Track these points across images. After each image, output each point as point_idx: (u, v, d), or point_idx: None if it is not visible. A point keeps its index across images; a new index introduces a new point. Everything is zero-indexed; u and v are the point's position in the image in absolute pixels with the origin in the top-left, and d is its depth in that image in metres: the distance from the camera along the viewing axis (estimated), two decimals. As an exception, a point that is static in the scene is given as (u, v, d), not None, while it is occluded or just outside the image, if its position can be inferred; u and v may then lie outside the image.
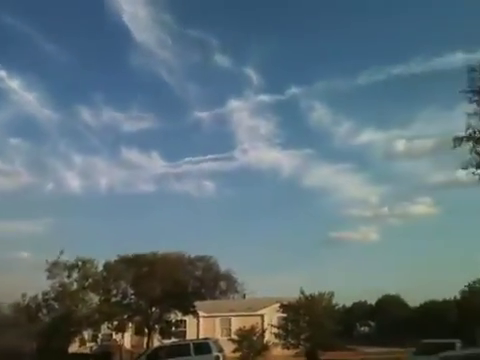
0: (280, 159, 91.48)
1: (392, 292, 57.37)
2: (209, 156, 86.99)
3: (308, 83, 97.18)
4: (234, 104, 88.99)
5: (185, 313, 36.19)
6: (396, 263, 72.00)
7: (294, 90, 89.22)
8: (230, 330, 39.73)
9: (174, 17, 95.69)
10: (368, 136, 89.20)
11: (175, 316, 36.42)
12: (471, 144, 16.76)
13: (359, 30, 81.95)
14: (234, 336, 33.88)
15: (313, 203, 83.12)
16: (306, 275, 60.61)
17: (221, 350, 23.63)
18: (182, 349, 22.90)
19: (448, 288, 53.61)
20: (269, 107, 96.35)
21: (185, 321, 40.87)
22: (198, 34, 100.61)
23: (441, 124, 69.07)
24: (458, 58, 57.13)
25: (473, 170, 16.88)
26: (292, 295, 35.86)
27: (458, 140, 16.96)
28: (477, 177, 16.91)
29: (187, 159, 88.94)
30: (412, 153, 76.68)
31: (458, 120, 16.99)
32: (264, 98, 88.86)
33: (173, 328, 36.73)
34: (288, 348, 33.94)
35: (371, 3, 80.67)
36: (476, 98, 16.63)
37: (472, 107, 16.70)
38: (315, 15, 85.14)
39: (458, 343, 19.59)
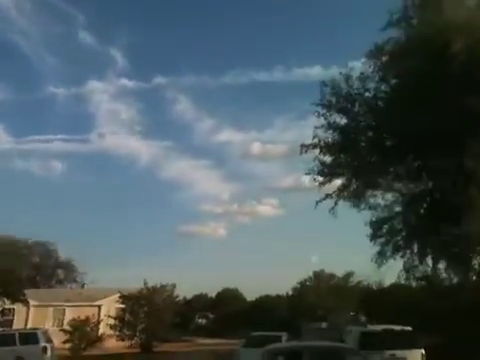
0: (139, 148, 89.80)
1: (232, 286, 60.09)
2: (60, 136, 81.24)
3: (174, 75, 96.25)
4: (95, 85, 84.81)
5: (13, 301, 33.38)
6: (239, 258, 75.43)
7: (160, 80, 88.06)
8: (63, 320, 37.83)
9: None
10: (227, 135, 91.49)
11: (2, 304, 33.42)
12: (316, 152, 18.07)
13: (230, 31, 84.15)
14: (66, 327, 32.41)
15: (168, 196, 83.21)
16: (154, 267, 60.35)
17: (50, 340, 23.01)
18: (7, 339, 22.09)
19: (283, 284, 57.71)
20: (132, 93, 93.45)
21: (13, 309, 37.83)
22: (63, 6, 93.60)
23: (295, 132, 74.07)
24: (316, 72, 61.58)
25: (315, 176, 18.10)
26: (135, 286, 35.43)
27: (305, 147, 18.09)
28: (317, 183, 18.21)
29: (36, 137, 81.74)
30: (266, 156, 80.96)
31: (309, 130, 18.21)
32: (128, 83, 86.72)
33: None
34: (123, 340, 33.42)
35: (246, 8, 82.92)
36: (324, 112, 17.84)
37: (320, 120, 17.93)
38: (189, 9, 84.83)
39: (284, 336, 20.84)
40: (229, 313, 52.91)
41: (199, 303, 60.59)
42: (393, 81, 17.17)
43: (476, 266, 17.85)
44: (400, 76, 16.46)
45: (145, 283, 34.33)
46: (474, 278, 18.14)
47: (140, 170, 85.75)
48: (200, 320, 57.26)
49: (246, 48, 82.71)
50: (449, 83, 14.68)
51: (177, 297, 37.65)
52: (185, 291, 52.07)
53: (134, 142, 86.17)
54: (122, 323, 33.78)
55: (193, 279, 61.91)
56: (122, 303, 34.78)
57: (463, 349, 15.78)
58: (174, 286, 36.20)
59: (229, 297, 57.56)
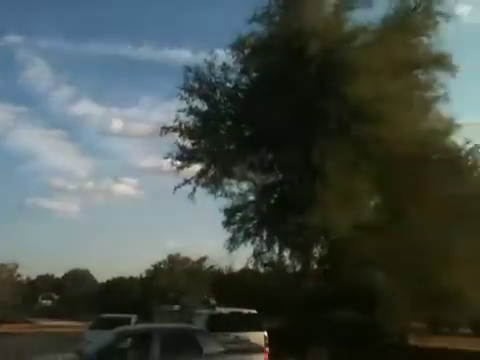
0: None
1: (82, 267, 57.59)
2: None
3: (30, 35, 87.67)
4: None
5: None
6: (92, 238, 72.57)
7: (13, 38, 79.41)
8: None
9: None
10: (87, 107, 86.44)
11: None
12: (176, 136, 17.82)
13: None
14: None
15: (14, 166, 76.03)
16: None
17: None
18: None
19: (137, 267, 56.98)
20: None
21: None
22: None
23: (160, 113, 72.42)
24: (185, 55, 60.74)
25: (173, 161, 17.90)
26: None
27: (165, 130, 17.75)
28: (175, 167, 17.98)
29: None
30: (127, 134, 78.38)
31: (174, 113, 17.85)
32: (-26, 37, 76.07)
33: None
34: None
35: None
36: (186, 96, 17.70)
37: (183, 104, 17.71)
38: None
39: (134, 318, 20.41)
40: (77, 295, 50.81)
41: (44, 283, 57.29)
42: (253, 74, 17.56)
43: (317, 255, 19.22)
44: (260, 70, 16.89)
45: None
46: (315, 266, 19.47)
47: None
48: (44, 301, 54.02)
49: (116, 20, 78.49)
50: (304, 83, 15.40)
51: (19, 276, 35.07)
52: (30, 271, 48.84)
53: None
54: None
55: (39, 258, 58.40)
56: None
57: (303, 332, 16.88)
58: (16, 266, 33.64)
59: (78, 278, 55.23)
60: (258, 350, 11.24)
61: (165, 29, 78.78)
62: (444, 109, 17.08)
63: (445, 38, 16.84)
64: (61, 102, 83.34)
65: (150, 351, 9.93)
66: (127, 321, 18.95)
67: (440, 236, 15.03)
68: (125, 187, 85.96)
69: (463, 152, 16.05)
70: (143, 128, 78.36)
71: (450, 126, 15.92)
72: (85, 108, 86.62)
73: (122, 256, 64.77)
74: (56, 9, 76.45)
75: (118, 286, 50.35)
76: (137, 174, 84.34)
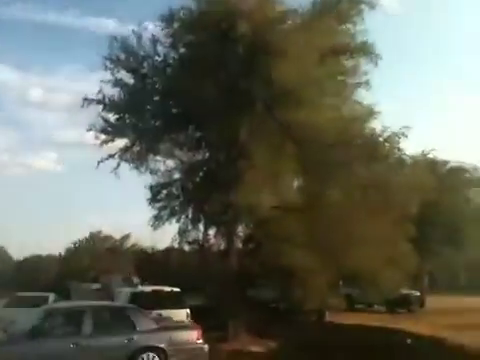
0: None
1: (-2, 243, 54.64)
2: None
3: None
4: None
5: None
6: (8, 214, 68.83)
7: None
8: None
9: None
10: (2, 74, 79.88)
11: None
12: (100, 108, 17.17)
13: None
14: None
15: None
16: None
17: None
18: None
19: (57, 244, 54.95)
20: None
21: None
22: None
23: (83, 84, 68.74)
24: (111, 25, 58.22)
25: (97, 134, 17.26)
26: None
27: (87, 101, 17.06)
28: (99, 141, 17.38)
29: None
30: (48, 105, 74.07)
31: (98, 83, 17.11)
32: None
33: None
34: None
35: None
36: (112, 67, 17.06)
37: (108, 75, 17.07)
38: None
39: (52, 297, 19.83)
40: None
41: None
42: (182, 50, 17.22)
43: (241, 234, 19.53)
44: (190, 46, 16.60)
45: None
46: (240, 245, 19.78)
47: None
48: None
49: None
50: (232, 63, 15.37)
51: None
52: None
53: None
54: None
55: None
56: None
57: (225, 309, 17.19)
58: None
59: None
60: (191, 327, 11.56)
61: None
62: (365, 96, 17.80)
63: (369, 27, 17.55)
64: None
65: (82, 328, 10.06)
66: (44, 300, 18.38)
67: (355, 218, 15.76)
68: (45, 161, 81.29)
69: (381, 138, 16.79)
70: (65, 99, 74.37)
71: (370, 113, 16.60)
72: (1, 75, 79.72)
73: (41, 233, 62.17)
74: None
75: (35, 264, 48.43)
76: (58, 147, 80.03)
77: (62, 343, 9.83)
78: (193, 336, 11.04)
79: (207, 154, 18.51)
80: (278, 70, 14.39)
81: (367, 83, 17.66)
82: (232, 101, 15.35)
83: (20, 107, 78.69)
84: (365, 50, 17.20)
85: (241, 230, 19.40)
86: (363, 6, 17.06)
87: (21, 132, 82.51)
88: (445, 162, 29.07)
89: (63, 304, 12.60)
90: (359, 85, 17.79)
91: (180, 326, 11.84)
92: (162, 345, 10.45)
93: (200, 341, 11.04)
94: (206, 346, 11.12)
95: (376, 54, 17.15)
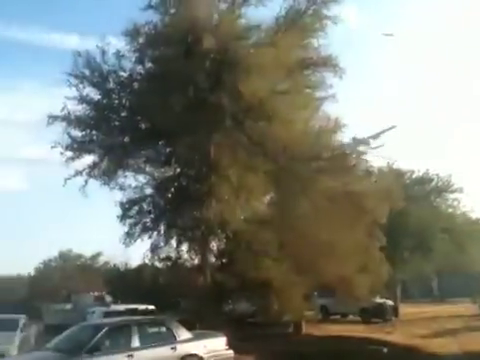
0: None
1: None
2: None
3: None
4: None
5: None
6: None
7: None
8: None
9: None
10: None
11: None
12: (64, 125, 16.83)
13: None
14: None
15: None
16: None
17: None
18: None
19: (25, 264, 53.32)
20: None
21: None
22: None
23: (44, 99, 66.64)
24: (73, 40, 57.17)
25: (62, 151, 16.88)
26: None
27: (52, 118, 16.70)
28: (65, 158, 17.01)
29: None
30: (8, 122, 71.70)
31: (61, 99, 16.73)
32: None
33: None
34: None
35: None
36: (76, 83, 16.77)
37: (72, 91, 16.77)
38: None
39: (23, 319, 19.20)
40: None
41: None
42: (149, 65, 17.06)
43: (214, 248, 19.37)
44: (156, 61, 16.47)
45: None
46: (213, 259, 19.63)
47: None
48: None
49: None
50: (199, 78, 15.35)
51: None
52: None
53: None
54: None
55: None
56: None
57: (201, 324, 17.02)
58: None
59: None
60: (220, 335, 12.58)
61: (51, 12, 72.30)
62: (332, 109, 18.03)
63: (333, 41, 17.86)
64: None
65: (131, 341, 10.90)
66: (14, 322, 17.75)
67: (326, 229, 15.85)
68: (8, 179, 78.51)
69: (348, 151, 16.98)
70: (25, 116, 72.07)
71: (337, 125, 16.79)
72: None
73: (8, 253, 60.16)
74: None
75: (4, 285, 46.87)
76: (23, 165, 77.53)
77: (118, 356, 10.55)
78: (223, 343, 12.33)
79: (178, 169, 18.32)
80: (245, 84, 14.45)
81: (333, 96, 17.91)
82: (201, 116, 15.26)
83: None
84: (330, 63, 17.39)
85: (214, 245, 19.24)
86: (326, 21, 17.27)
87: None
88: (411, 171, 29.73)
89: (110, 320, 13.00)
90: (326, 98, 18.03)
91: (211, 334, 12.75)
92: (200, 352, 11.61)
93: (227, 348, 12.34)
94: (232, 352, 12.38)
95: (340, 67, 17.39)
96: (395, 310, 28.28)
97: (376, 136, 16.20)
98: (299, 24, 16.93)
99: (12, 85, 78.39)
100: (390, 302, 27.86)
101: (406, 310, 29.45)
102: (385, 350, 15.67)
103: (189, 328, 12.68)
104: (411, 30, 72.29)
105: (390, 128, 16.29)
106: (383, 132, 16.14)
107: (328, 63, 17.35)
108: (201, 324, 16.69)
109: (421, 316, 26.85)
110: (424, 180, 29.99)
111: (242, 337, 18.01)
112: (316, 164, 15.85)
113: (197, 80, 15.40)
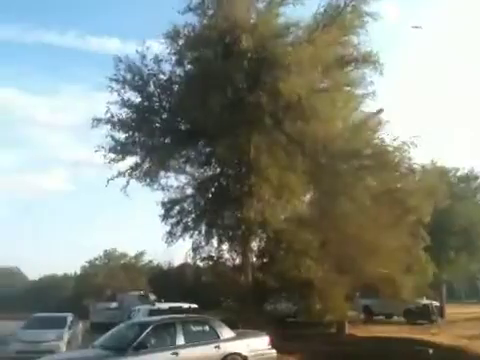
0: None
1: (12, 264, 54.90)
2: None
3: None
4: None
5: None
6: (22, 235, 69.27)
7: None
8: None
9: None
10: (8, 95, 79.97)
11: None
12: (108, 127, 17.28)
13: None
14: None
15: None
16: None
17: None
18: None
19: (72, 263, 54.90)
20: None
21: None
22: None
23: (88, 102, 68.12)
24: (114, 44, 58.44)
25: (106, 153, 17.31)
26: None
27: (97, 121, 17.16)
28: (108, 160, 17.44)
29: None
30: (54, 125, 74.20)
31: (104, 102, 17.20)
32: None
33: None
34: None
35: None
36: (118, 87, 17.16)
37: (114, 95, 17.18)
38: None
39: (70, 317, 19.79)
40: (7, 293, 48.34)
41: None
42: (188, 66, 17.25)
43: (255, 248, 19.38)
44: (195, 63, 16.62)
45: None
46: (254, 259, 19.63)
47: None
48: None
49: (36, 5, 72.99)
50: (238, 77, 15.39)
51: None
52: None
53: None
54: None
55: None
56: None
57: (243, 324, 17.07)
58: None
59: (9, 276, 52.53)
60: (263, 334, 12.51)
61: (90, 16, 74.38)
62: (372, 106, 17.71)
63: (373, 37, 17.47)
64: None
65: (176, 339, 11.06)
66: (63, 320, 18.36)
67: (369, 228, 15.58)
68: (55, 180, 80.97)
69: (390, 148, 16.63)
70: (70, 119, 74.48)
71: (378, 122, 16.49)
72: (7, 96, 77.80)
73: (55, 253, 62.19)
74: None
75: (51, 284, 48.44)
76: (68, 167, 79.59)
77: (163, 353, 10.75)
78: (265, 342, 12.24)
79: (218, 169, 18.44)
80: (284, 83, 14.38)
81: (374, 93, 17.61)
82: (240, 115, 15.33)
83: (27, 127, 78.58)
84: (369, 60, 17.15)
85: (255, 244, 19.25)
86: (365, 17, 17.06)
87: (30, 152, 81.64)
88: (455, 169, 28.84)
89: (155, 318, 13.05)
90: (366, 95, 17.75)
91: (254, 334, 12.73)
92: (243, 351, 11.59)
93: (270, 347, 12.20)
94: (274, 351, 12.26)
95: (380, 64, 17.10)
96: (441, 311, 27.51)
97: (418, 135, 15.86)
98: (338, 21, 16.77)
99: (56, 89, 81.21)
100: (436, 303, 27.12)
101: (452, 311, 28.57)
102: (431, 351, 15.24)
103: (231, 327, 12.68)
104: (451, 24, 70.19)
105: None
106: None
107: (368, 59, 17.12)
108: (243, 323, 16.74)
109: (467, 317, 25.97)
110: (469, 178, 29.05)
111: (284, 337, 17.95)
112: (357, 162, 15.61)
113: (236, 80, 15.45)
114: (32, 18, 75.37)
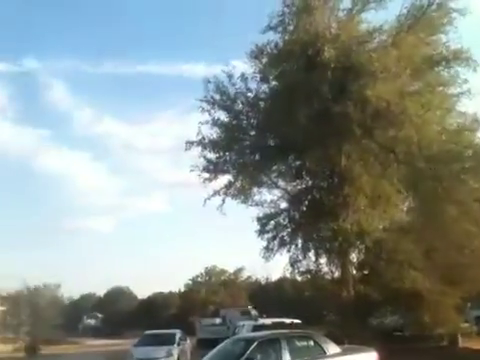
0: (10, 135, 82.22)
1: (122, 284, 58.44)
2: None
3: (48, 59, 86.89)
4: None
5: None
6: (128, 255, 73.33)
7: (32, 63, 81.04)
8: None
9: None
10: (109, 126, 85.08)
11: None
12: (200, 149, 17.92)
13: (109, 19, 76.70)
14: None
15: (46, 188, 77.11)
16: (33, 265, 56.85)
17: None
18: None
19: (175, 281, 57.12)
20: (1, 76, 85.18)
21: None
22: None
23: (181, 126, 71.25)
24: (200, 68, 60.68)
25: (200, 173, 17.95)
26: (15, 286, 33.60)
27: (190, 144, 17.88)
28: (202, 180, 18.05)
29: None
30: (151, 150, 78.28)
31: (195, 125, 17.99)
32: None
33: None
34: (5, 343, 31.58)
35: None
36: (208, 108, 17.79)
37: (205, 116, 17.82)
38: None
39: (178, 333, 20.50)
40: (119, 312, 51.41)
41: (87, 302, 58.45)
42: (273, 82, 17.44)
43: (354, 260, 18.86)
44: (279, 78, 16.77)
45: (24, 283, 32.54)
46: (354, 271, 19.10)
47: (12, 160, 77.83)
48: (89, 320, 54.66)
49: (127, 37, 77.06)
50: (323, 88, 15.24)
51: (62, 297, 36.13)
52: (71, 290, 49.96)
53: (6, 129, 76.48)
54: (3, 326, 31.81)
55: (80, 277, 59.49)
56: (1, 304, 32.70)
57: (347, 339, 16.64)
58: (58, 286, 34.73)
59: (119, 295, 55.90)
60: (369, 350, 11.81)
61: (176, 44, 77.23)
62: (468, 105, 16.62)
63: (463, 34, 16.43)
64: (84, 123, 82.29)
65: (282, 355, 10.75)
66: (172, 336, 19.09)
67: (477, 234, 14.51)
68: (155, 203, 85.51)
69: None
70: (165, 143, 77.96)
71: (475, 122, 15.42)
72: (108, 127, 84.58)
73: (159, 271, 65.23)
74: (71, 31, 76.11)
75: (157, 301, 50.60)
76: (165, 189, 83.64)
77: None
78: (373, 358, 11.58)
79: (309, 182, 18.32)
80: (371, 90, 14.03)
81: (469, 91, 16.45)
82: (328, 127, 15.15)
83: (127, 154, 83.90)
84: (461, 58, 16.11)
85: (354, 256, 18.74)
86: (453, 14, 16.15)
87: (131, 177, 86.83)
88: None
89: (260, 334, 13.35)
90: (461, 94, 16.66)
91: (361, 349, 12.20)
92: None
93: None
94: None
95: (474, 60, 15.99)
96: None
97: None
98: (423, 21, 16.05)
99: (152, 116, 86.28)
100: None
101: None
102: None
103: (336, 342, 12.35)
104: None
105: None
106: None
107: (459, 57, 16.07)
108: (348, 338, 16.28)
109: None
110: None
111: (392, 352, 17.16)
112: (458, 165, 14.65)
113: (321, 91, 15.32)
114: (124, 50, 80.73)
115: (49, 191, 75.51)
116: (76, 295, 56.94)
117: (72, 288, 50.57)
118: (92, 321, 54.16)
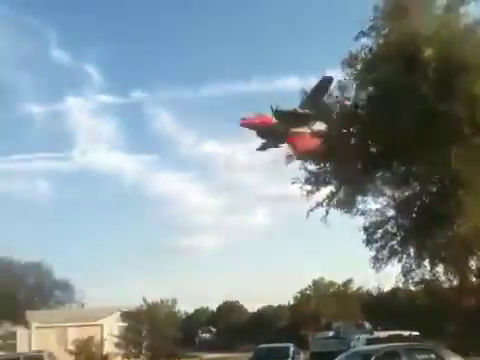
0: (122, 163, 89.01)
1: (232, 298, 59.41)
2: (42, 154, 77.79)
3: (151, 89, 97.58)
4: (72, 102, 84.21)
5: (14, 324, 33.38)
6: (237, 270, 74.78)
7: (137, 94, 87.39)
8: (66, 341, 36.67)
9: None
10: (211, 147, 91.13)
11: (3, 327, 33.48)
12: (300, 161, 17.97)
13: (203, 44, 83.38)
14: (71, 347, 32.28)
15: (156, 210, 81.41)
16: (149, 283, 60.47)
17: (56, 363, 22.16)
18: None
19: (284, 294, 57.13)
20: (111, 109, 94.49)
21: (15, 333, 37.34)
22: (34, 23, 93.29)
23: None
24: (292, 82, 60.99)
25: (301, 185, 17.98)
26: (135, 303, 35.59)
27: (289, 157, 18.02)
28: (304, 192, 18.01)
29: (16, 156, 74.29)
30: (252, 166, 79.35)
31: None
32: (105, 98, 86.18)
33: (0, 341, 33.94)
34: (129, 357, 33.54)
35: (218, 18, 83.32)
36: None
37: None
38: (159, 23, 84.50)
39: (292, 347, 20.52)
40: (231, 326, 52.48)
41: (201, 317, 60.35)
42: (370, 88, 17.02)
43: (473, 267, 17.65)
44: (377, 83, 16.32)
45: (143, 299, 34.38)
46: (474, 279, 17.90)
47: (125, 185, 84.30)
48: (203, 334, 56.34)
49: (219, 60, 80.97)
50: (424, 89, 14.60)
51: (178, 312, 37.68)
52: (186, 305, 51.92)
53: (117, 158, 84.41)
54: (126, 341, 33.84)
55: (193, 293, 61.71)
56: (123, 321, 34.85)
57: (474, 351, 15.68)
58: (175, 301, 36.28)
59: (230, 309, 57.10)
60: None
61: (268, 61, 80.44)
62: None
63: None
64: (187, 145, 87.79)
65: None
66: (286, 350, 19.20)
67: None
68: (260, 217, 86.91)
69: None
70: (266, 158, 78.44)
71: None
72: (210, 147, 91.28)
73: (267, 285, 65.61)
74: (172, 60, 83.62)
75: (267, 315, 50.93)
76: (268, 203, 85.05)
77: None
78: None
79: (417, 187, 17.51)
80: (478, 85, 13.11)
81: None
82: (433, 128, 14.47)
83: (229, 172, 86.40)
84: None
85: (473, 263, 17.53)
86: None
87: (235, 194, 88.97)
88: None
89: (377, 347, 13.28)
90: None
91: None
92: None
93: None
94: None
95: None
96: None
97: None
98: None
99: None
100: None
101: None
102: None
103: (460, 355, 11.64)
104: None
105: None
106: None
107: None
108: (473, 350, 15.26)
109: None
110: None
111: None
112: None
113: (422, 92, 14.66)
114: (221, 73, 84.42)
115: (157, 212, 79.77)
116: (191, 310, 59.37)
117: (187, 303, 52.68)
118: (207, 335, 55.75)
